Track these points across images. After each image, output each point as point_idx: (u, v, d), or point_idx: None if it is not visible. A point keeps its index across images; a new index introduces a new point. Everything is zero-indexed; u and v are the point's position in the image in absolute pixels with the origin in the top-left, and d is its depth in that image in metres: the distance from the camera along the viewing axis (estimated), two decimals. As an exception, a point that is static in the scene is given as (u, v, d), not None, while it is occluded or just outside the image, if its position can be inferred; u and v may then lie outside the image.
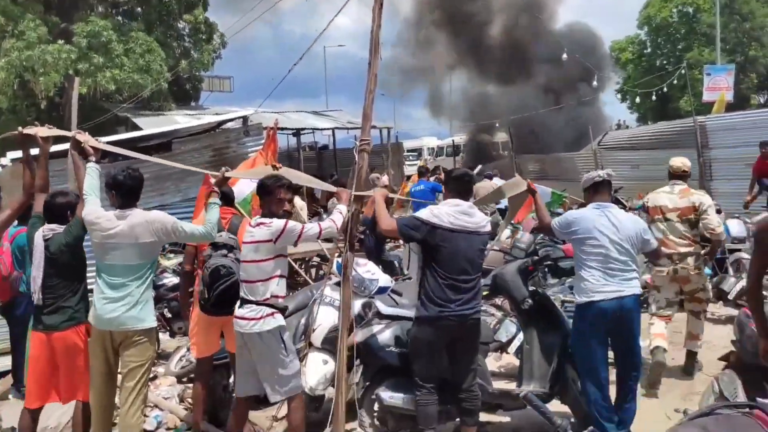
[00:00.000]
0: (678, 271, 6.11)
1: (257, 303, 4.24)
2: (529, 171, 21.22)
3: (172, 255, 8.97)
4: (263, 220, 4.35)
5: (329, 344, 4.88)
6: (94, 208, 4.30)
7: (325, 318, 5.10)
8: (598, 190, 4.88)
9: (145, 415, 5.50)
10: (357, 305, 5.11)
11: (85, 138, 4.69)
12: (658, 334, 6.07)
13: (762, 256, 3.55)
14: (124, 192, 4.32)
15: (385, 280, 5.41)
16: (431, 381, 4.33)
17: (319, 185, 5.83)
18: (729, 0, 36.32)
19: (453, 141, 33.08)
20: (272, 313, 4.26)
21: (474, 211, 4.45)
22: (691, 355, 6.31)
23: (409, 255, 4.78)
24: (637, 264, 4.78)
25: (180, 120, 19.75)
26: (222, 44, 28.33)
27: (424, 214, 4.40)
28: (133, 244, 4.18)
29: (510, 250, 9.32)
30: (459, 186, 4.55)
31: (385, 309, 4.81)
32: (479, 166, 19.58)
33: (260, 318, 4.23)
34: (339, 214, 4.55)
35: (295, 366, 4.40)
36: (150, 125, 18.04)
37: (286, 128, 21.73)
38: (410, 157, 33.92)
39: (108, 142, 10.64)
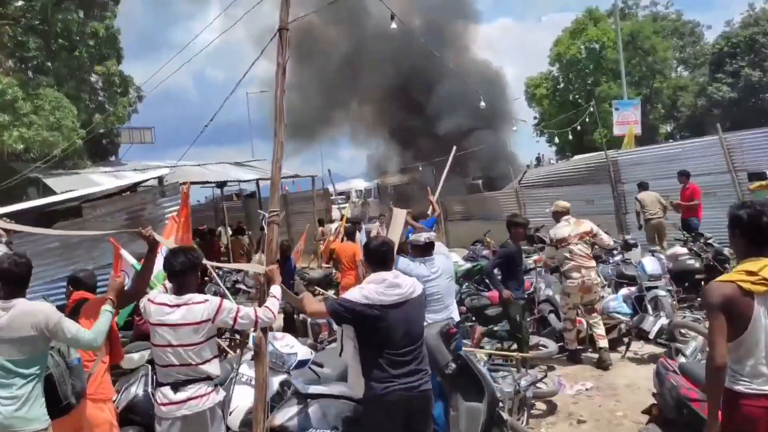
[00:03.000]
0: (585, 282, 7.97)
1: (199, 380, 4.09)
2: (455, 212, 21.46)
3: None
4: (192, 297, 4.12)
5: (247, 427, 4.63)
6: None
7: (242, 398, 4.86)
8: (425, 249, 5.85)
9: None
10: (275, 383, 4.90)
11: None
12: (572, 339, 8.15)
13: (721, 327, 3.17)
14: (7, 281, 4.01)
15: (304, 352, 5.22)
16: None
17: (240, 267, 5.51)
18: (631, 36, 38.34)
19: (377, 184, 33.25)
20: (216, 387, 4.19)
21: (400, 280, 4.27)
22: (603, 349, 7.89)
23: (342, 339, 4.50)
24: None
25: (96, 179, 19.06)
26: (138, 97, 27.77)
27: (353, 295, 4.17)
28: (14, 339, 3.84)
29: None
30: (377, 257, 4.35)
31: (304, 387, 4.61)
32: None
33: (209, 393, 4.11)
34: (275, 300, 4.33)
35: None
36: (63, 185, 17.33)
37: (208, 182, 21.31)
38: (338, 201, 33.82)
39: (14, 212, 10.15)
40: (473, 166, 26.99)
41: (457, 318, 5.82)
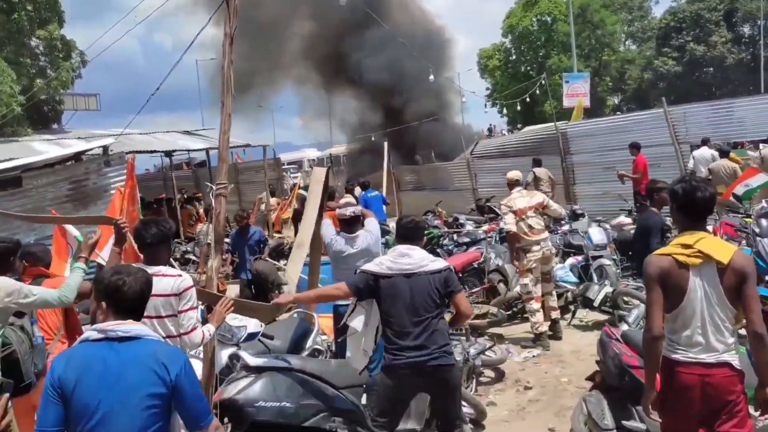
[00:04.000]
0: (544, 252, 7.85)
1: None
2: (407, 182, 21.49)
3: None
4: (162, 269, 3.96)
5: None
6: None
7: (192, 372, 4.79)
8: (349, 223, 5.91)
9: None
10: (224, 356, 4.86)
11: None
12: (540, 320, 7.71)
13: (658, 299, 3.29)
14: None
15: (253, 324, 5.18)
16: (385, 427, 4.22)
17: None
18: (581, 10, 38.70)
19: (330, 154, 33.06)
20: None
21: (413, 252, 4.34)
22: (555, 322, 7.93)
23: (354, 307, 4.51)
24: None
25: (37, 147, 18.37)
26: (82, 62, 26.84)
27: (366, 266, 4.40)
28: None
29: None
30: (402, 233, 4.51)
31: (252, 360, 4.57)
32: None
33: None
34: (207, 333, 4.07)
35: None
36: (2, 153, 16.68)
37: (156, 150, 20.80)
38: (291, 170, 33.51)
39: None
40: (423, 140, 26.92)
41: None
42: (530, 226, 7.79)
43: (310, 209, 5.34)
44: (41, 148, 17.74)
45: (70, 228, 7.03)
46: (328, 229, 6.12)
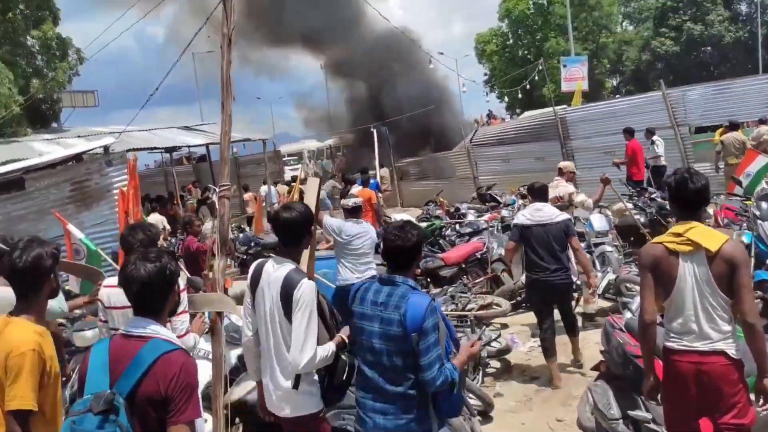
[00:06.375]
0: None
1: None
2: (410, 173, 21.49)
3: None
4: None
5: (206, 401, 4.63)
6: None
7: (201, 373, 4.84)
8: (353, 212, 6.74)
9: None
10: (233, 357, 4.91)
11: None
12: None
13: (649, 286, 3.41)
14: None
15: (261, 324, 5.22)
16: (542, 323, 6.41)
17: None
18: (578, -9, 38.49)
19: (330, 145, 33.00)
20: None
21: (544, 207, 6.34)
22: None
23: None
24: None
25: (38, 147, 18.39)
26: (79, 59, 26.75)
27: (516, 219, 6.63)
28: None
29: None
30: (534, 193, 6.55)
31: (261, 361, 4.62)
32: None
33: None
34: (194, 341, 4.12)
35: None
36: (3, 155, 16.70)
37: (156, 148, 20.83)
38: (291, 162, 33.45)
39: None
40: (422, 130, 26.80)
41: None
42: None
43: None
44: (42, 148, 17.77)
45: (74, 230, 7.08)
46: (334, 220, 6.86)
